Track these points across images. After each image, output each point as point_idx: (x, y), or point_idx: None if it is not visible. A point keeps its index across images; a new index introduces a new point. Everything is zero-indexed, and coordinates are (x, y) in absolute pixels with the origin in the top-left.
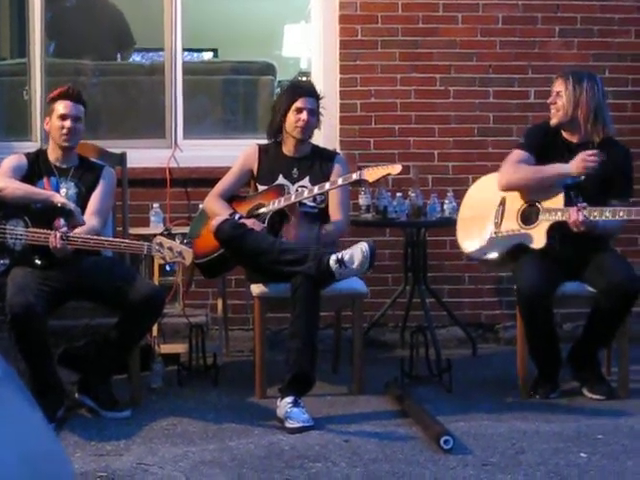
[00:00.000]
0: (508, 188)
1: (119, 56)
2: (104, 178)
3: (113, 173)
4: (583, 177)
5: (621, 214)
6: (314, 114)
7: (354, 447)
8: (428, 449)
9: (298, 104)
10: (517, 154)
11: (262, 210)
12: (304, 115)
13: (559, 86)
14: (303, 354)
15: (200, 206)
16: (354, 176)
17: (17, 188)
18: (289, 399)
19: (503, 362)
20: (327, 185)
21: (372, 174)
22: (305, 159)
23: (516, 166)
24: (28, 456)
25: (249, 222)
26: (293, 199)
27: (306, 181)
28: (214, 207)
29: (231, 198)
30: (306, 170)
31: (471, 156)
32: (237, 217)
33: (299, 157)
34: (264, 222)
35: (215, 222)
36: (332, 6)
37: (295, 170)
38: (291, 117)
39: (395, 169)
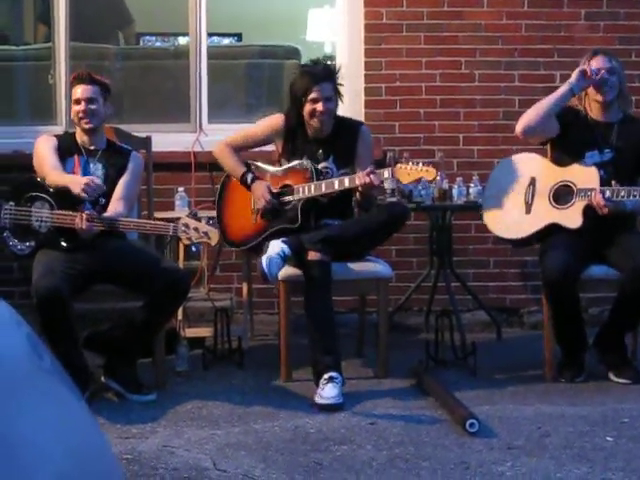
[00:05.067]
0: (528, 129)
1: (121, 36)
2: (132, 164)
3: (141, 159)
4: (610, 155)
5: None
6: (331, 100)
7: (379, 430)
8: (453, 432)
9: (313, 95)
10: None
11: (291, 198)
12: (319, 106)
13: (606, 62)
14: None
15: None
16: (385, 174)
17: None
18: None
19: (528, 346)
20: (357, 180)
21: (405, 175)
22: (329, 139)
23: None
24: (75, 450)
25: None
26: (324, 189)
27: (330, 162)
28: (231, 160)
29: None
30: (330, 151)
31: (496, 140)
32: (250, 177)
33: (323, 138)
34: (298, 209)
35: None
36: None
37: (319, 152)
38: (307, 107)
39: (430, 174)
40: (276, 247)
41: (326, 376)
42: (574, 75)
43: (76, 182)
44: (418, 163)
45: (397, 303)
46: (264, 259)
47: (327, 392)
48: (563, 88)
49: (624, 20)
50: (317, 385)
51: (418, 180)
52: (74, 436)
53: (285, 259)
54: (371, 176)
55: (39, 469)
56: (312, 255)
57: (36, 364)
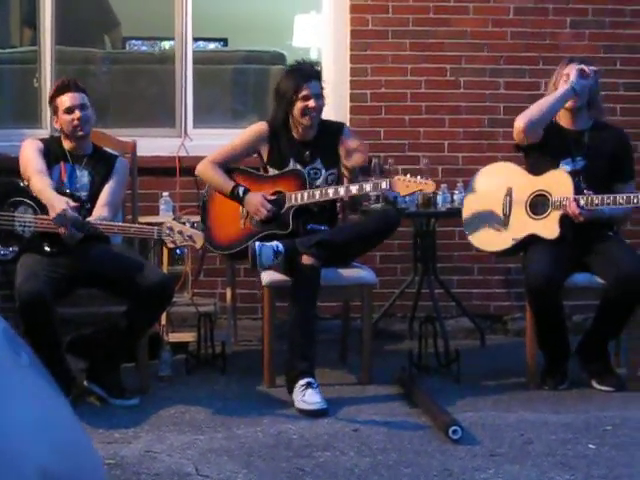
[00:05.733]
0: (529, 125)
1: (107, 39)
2: (117, 170)
3: (126, 164)
4: (583, 163)
5: (620, 201)
6: (320, 97)
7: (363, 437)
8: (436, 439)
9: (304, 92)
10: None
11: (289, 205)
12: (311, 103)
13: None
14: None
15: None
16: (383, 185)
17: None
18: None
19: (511, 353)
20: (353, 189)
21: (404, 187)
22: (314, 140)
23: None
24: (57, 446)
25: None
26: (317, 197)
27: (318, 163)
28: (215, 177)
29: (240, 173)
30: (317, 152)
31: (481, 147)
32: (242, 190)
33: (309, 140)
34: (289, 216)
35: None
36: None
37: (306, 154)
38: (298, 105)
39: (430, 187)
40: (271, 242)
41: (302, 382)
42: (573, 74)
43: (54, 207)
44: (416, 175)
45: (381, 309)
46: (257, 243)
47: (310, 398)
48: (563, 87)
49: (609, 28)
50: (290, 390)
51: (416, 193)
52: (55, 431)
53: (276, 255)
54: (367, 186)
55: (22, 466)
56: (306, 259)
57: (12, 359)
